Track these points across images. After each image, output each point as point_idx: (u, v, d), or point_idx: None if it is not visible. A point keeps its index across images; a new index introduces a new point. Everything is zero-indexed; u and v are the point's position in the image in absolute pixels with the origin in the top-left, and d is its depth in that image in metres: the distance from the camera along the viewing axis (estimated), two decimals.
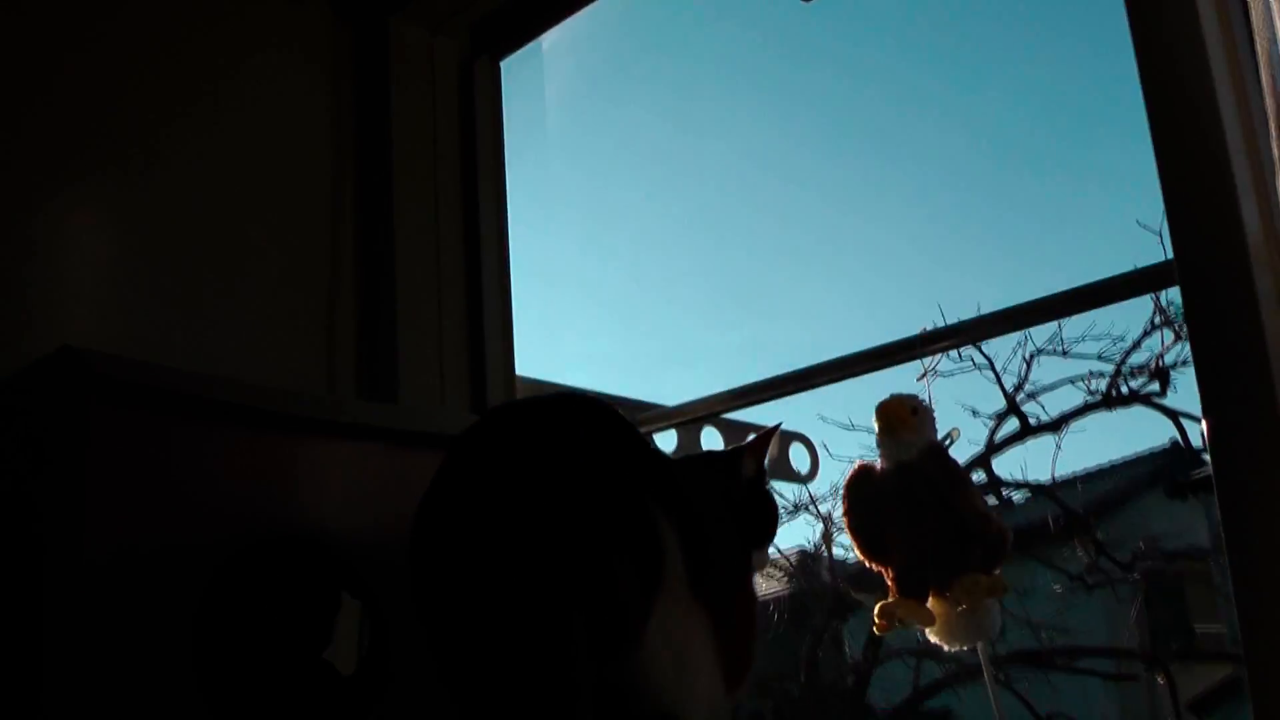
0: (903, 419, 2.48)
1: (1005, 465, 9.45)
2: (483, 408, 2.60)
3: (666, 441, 3.27)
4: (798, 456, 3.48)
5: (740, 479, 2.00)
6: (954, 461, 2.51)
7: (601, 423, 1.62)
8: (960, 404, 8.41)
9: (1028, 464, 10.95)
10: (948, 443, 2.56)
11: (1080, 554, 8.75)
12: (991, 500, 8.51)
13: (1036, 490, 8.85)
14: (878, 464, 2.52)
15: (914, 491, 2.45)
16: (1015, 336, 9.11)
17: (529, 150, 2.86)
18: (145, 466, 1.76)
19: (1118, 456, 11.35)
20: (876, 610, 2.46)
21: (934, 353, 2.61)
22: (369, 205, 2.60)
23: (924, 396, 2.57)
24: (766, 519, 2.01)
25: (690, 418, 3.07)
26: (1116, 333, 8.06)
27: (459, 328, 2.66)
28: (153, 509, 1.77)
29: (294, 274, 2.58)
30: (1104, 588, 8.73)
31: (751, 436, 2.14)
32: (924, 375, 2.61)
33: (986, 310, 2.64)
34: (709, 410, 3.07)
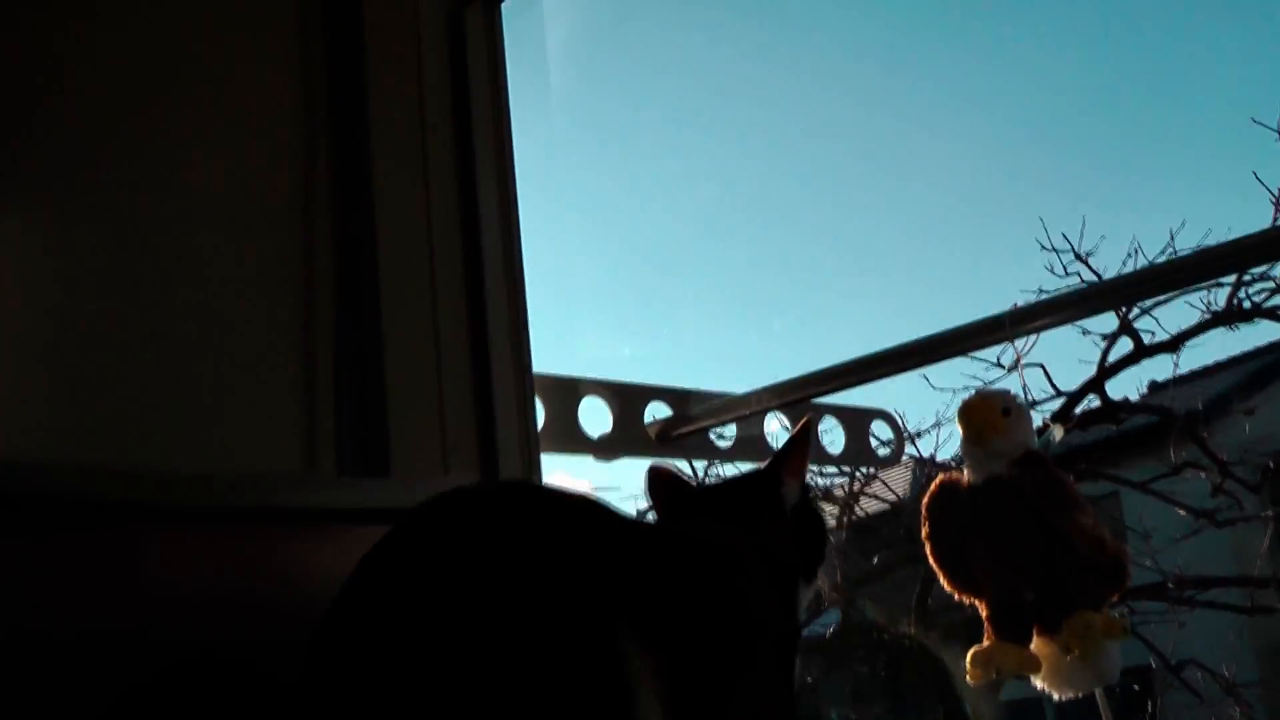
0: (992, 423, 2.04)
1: (1120, 385, 8.89)
2: (494, 469, 2.18)
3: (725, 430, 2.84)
4: (880, 434, 3.04)
5: (783, 508, 1.61)
6: (1058, 472, 2.07)
7: (563, 523, 1.19)
8: (1068, 324, 7.86)
9: (1142, 382, 10.37)
10: (1048, 446, 2.11)
11: (1204, 476, 8.20)
12: (1105, 427, 7.97)
13: (1151, 410, 8.31)
14: (964, 477, 2.07)
15: (1009, 511, 2.01)
16: (1123, 248, 8.56)
17: (531, 114, 2.42)
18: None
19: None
20: (970, 657, 2.03)
21: (1027, 333, 2.15)
22: (345, 199, 2.18)
23: (1017, 391, 2.12)
24: (818, 545, 1.62)
25: (742, 412, 2.64)
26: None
27: (461, 383, 2.23)
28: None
29: (258, 325, 2.15)
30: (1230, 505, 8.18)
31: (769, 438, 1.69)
32: (1016, 364, 2.16)
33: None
34: (773, 401, 2.64)
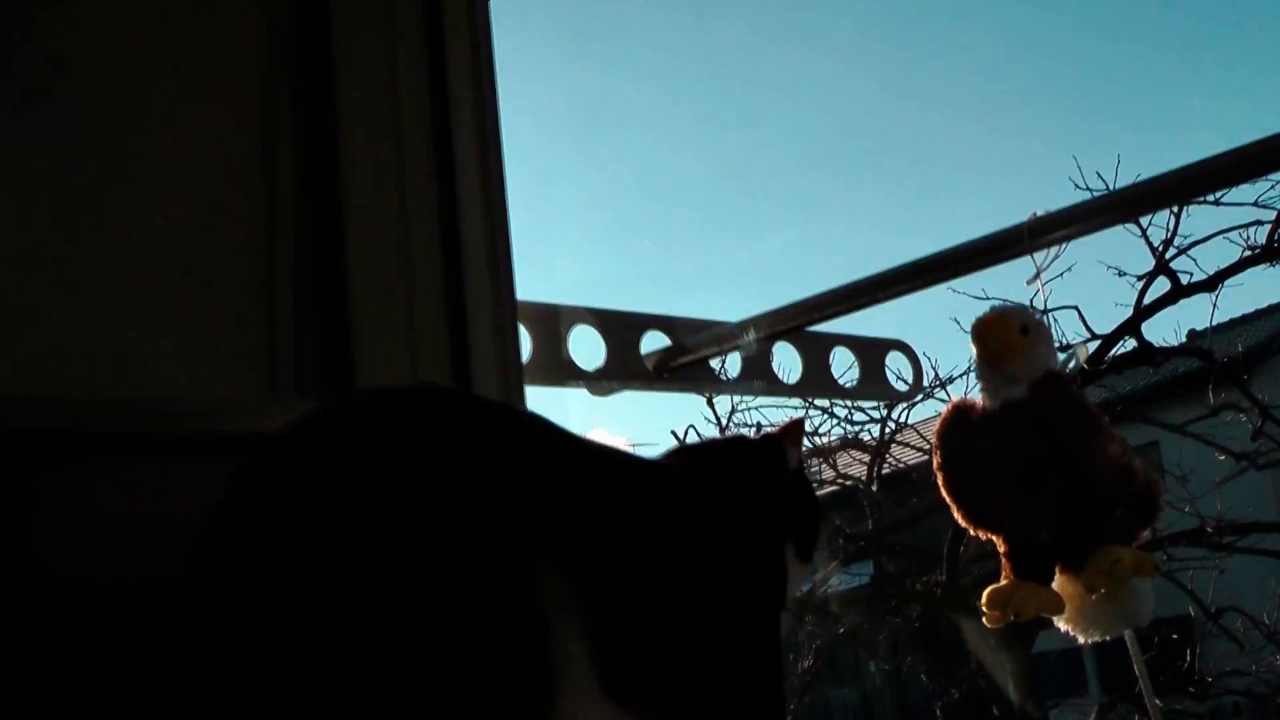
0: (1009, 342, 1.86)
1: (1157, 330, 8.66)
2: (467, 371, 2.00)
3: (730, 360, 2.65)
4: (897, 368, 2.85)
5: (785, 467, 1.45)
6: (1081, 396, 1.89)
7: (472, 436, 1.00)
8: (1102, 263, 7.63)
9: (1181, 327, 10.11)
10: (1072, 366, 1.92)
11: (1244, 419, 7.97)
12: (1142, 373, 7.75)
13: (1189, 352, 8.08)
14: (979, 402, 1.89)
15: (1029, 439, 1.83)
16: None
17: (511, 15, 2.23)
18: None
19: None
20: (986, 597, 1.86)
21: (1048, 246, 1.97)
22: (308, 103, 2.00)
23: (1037, 307, 1.94)
24: (811, 521, 1.44)
25: (744, 339, 2.46)
26: (1275, 176, 7.18)
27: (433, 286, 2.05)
28: None
29: (210, 229, 1.98)
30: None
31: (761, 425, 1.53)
32: (1035, 277, 1.97)
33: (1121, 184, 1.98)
34: (778, 326, 2.46)
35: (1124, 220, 1.95)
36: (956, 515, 1.92)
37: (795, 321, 2.39)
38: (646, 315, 2.56)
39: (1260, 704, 8.21)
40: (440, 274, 2.09)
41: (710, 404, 8.03)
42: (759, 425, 8.17)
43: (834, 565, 8.70)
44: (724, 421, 8.11)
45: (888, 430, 8.74)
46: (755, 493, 1.35)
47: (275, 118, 2.05)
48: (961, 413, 1.92)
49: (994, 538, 1.91)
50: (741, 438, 1.49)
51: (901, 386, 2.85)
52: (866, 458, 9.09)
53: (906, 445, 9.05)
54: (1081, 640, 1.87)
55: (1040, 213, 1.98)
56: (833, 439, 8.86)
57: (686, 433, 6.84)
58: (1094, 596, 1.80)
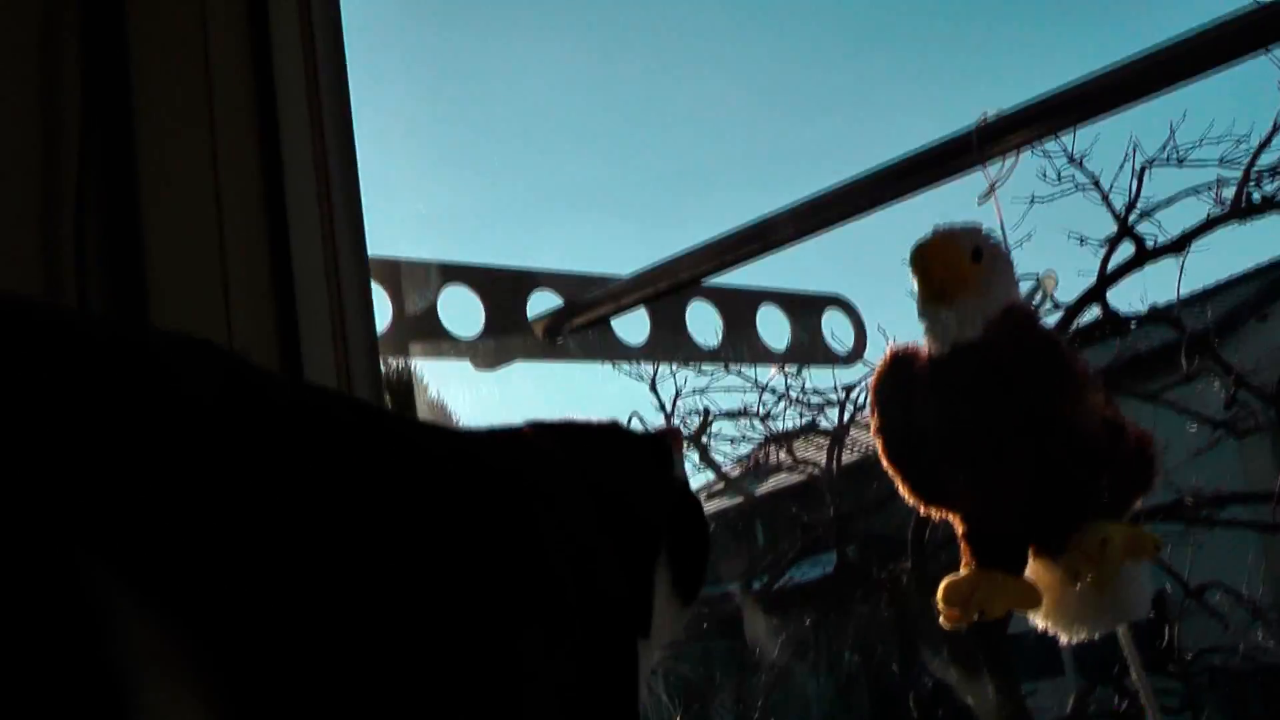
0: (957, 270, 1.48)
1: (1122, 297, 8.32)
2: (295, 355, 1.61)
3: (636, 324, 2.26)
4: (836, 329, 2.45)
5: (671, 474, 1.12)
6: (1051, 335, 1.50)
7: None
8: (1064, 230, 7.28)
9: (1148, 293, 9.76)
10: (1039, 301, 1.54)
11: (1216, 387, 7.63)
12: (1102, 350, 7.42)
13: (1158, 318, 7.73)
14: (923, 348, 1.51)
15: (987, 391, 1.45)
16: (1120, 148, 7.97)
17: None
18: None
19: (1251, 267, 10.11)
20: (942, 592, 1.48)
21: (1001, 154, 1.58)
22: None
23: (993, 228, 1.55)
24: (701, 555, 1.13)
25: (655, 289, 2.06)
26: (1240, 131, 6.85)
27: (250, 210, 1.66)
28: None
29: None
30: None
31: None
32: (989, 194, 1.59)
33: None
34: (685, 274, 2.06)
35: (1092, 115, 1.56)
36: (903, 490, 1.54)
37: (704, 267, 1.99)
38: (531, 271, 2.15)
39: (1238, 681, 7.90)
40: (259, 218, 1.72)
41: (654, 388, 7.64)
42: (707, 411, 7.79)
43: (793, 555, 8.35)
44: (669, 407, 7.72)
45: (847, 411, 8.34)
46: (621, 492, 1.02)
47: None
48: (901, 362, 1.53)
49: (950, 517, 1.52)
50: (618, 426, 1.14)
51: (841, 349, 2.45)
52: (825, 442, 8.71)
53: (868, 427, 8.67)
54: (1065, 640, 1.48)
55: (991, 114, 1.59)
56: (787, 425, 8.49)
57: (629, 422, 6.44)
58: (1078, 586, 1.42)
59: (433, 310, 2.03)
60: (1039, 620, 1.48)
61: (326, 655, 0.60)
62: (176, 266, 1.65)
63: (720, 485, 8.95)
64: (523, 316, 2.13)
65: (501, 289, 2.11)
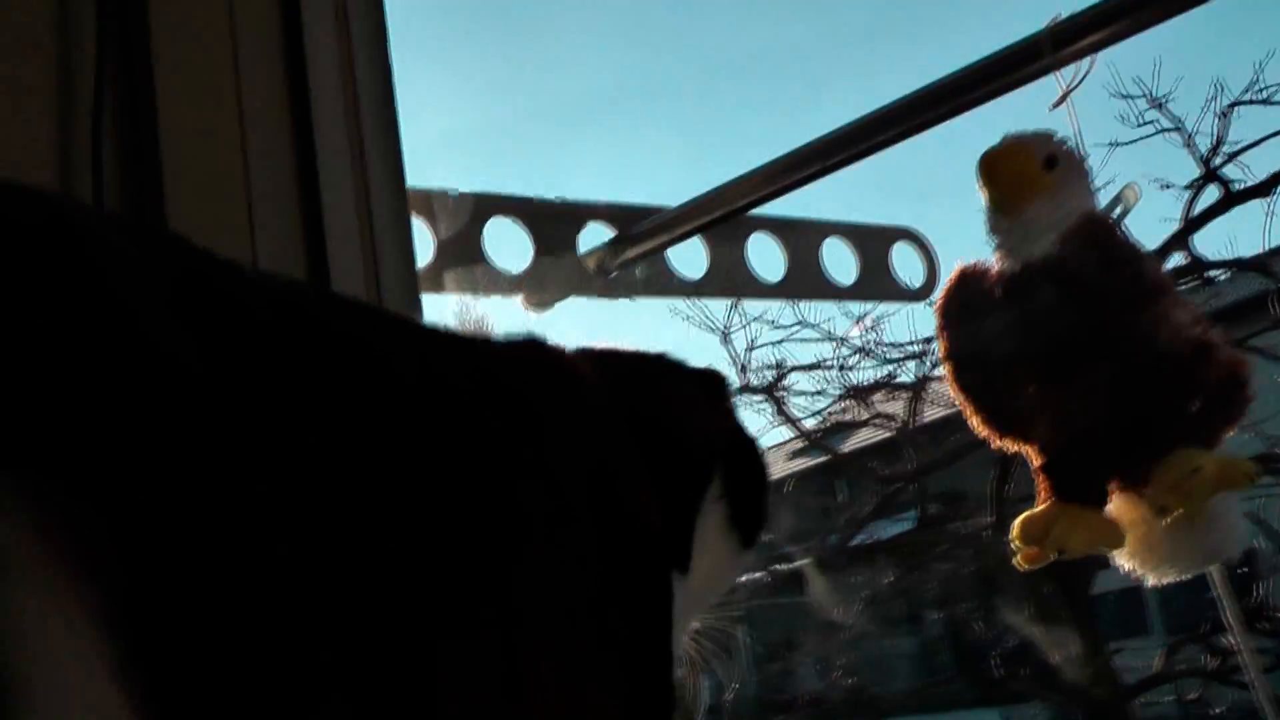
0: (1029, 179, 1.37)
1: (1208, 242, 8.09)
2: (324, 271, 1.52)
3: (694, 258, 2.15)
4: (904, 263, 2.33)
5: (724, 414, 1.04)
6: (1133, 247, 1.38)
7: None
8: (1147, 177, 7.08)
9: (1236, 238, 9.51)
10: (1118, 213, 1.42)
11: None
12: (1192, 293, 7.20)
13: (1245, 265, 7.52)
14: (993, 266, 1.39)
15: (1062, 308, 1.33)
16: (1203, 90, 7.73)
17: None
18: None
19: None
20: (1017, 528, 1.36)
21: (1075, 59, 1.46)
22: None
23: (1067, 136, 1.43)
24: (761, 496, 1.03)
25: (710, 218, 1.95)
26: None
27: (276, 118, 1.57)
28: None
29: None
30: None
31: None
32: (1062, 99, 1.46)
33: None
34: (740, 200, 1.94)
35: (1173, 11, 1.42)
36: (973, 421, 1.42)
37: (760, 193, 1.87)
38: (581, 202, 2.04)
39: None
40: (288, 139, 1.63)
41: (726, 340, 7.51)
42: (780, 365, 7.66)
43: (870, 512, 8.23)
44: (742, 360, 7.58)
45: (928, 364, 8.18)
46: (662, 419, 0.93)
47: None
48: (970, 281, 1.42)
49: (1026, 448, 1.41)
50: (667, 356, 1.05)
51: (912, 284, 2.32)
52: (905, 400, 8.56)
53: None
54: (1151, 581, 1.37)
55: (1063, 15, 1.46)
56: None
57: None
58: (1165, 522, 1.30)
59: (477, 244, 1.93)
60: (1123, 560, 1.37)
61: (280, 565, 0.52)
62: (197, 185, 1.56)
63: (800, 442, 8.82)
64: (573, 250, 2.03)
65: (550, 221, 2.00)
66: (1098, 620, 8.15)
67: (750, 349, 7.47)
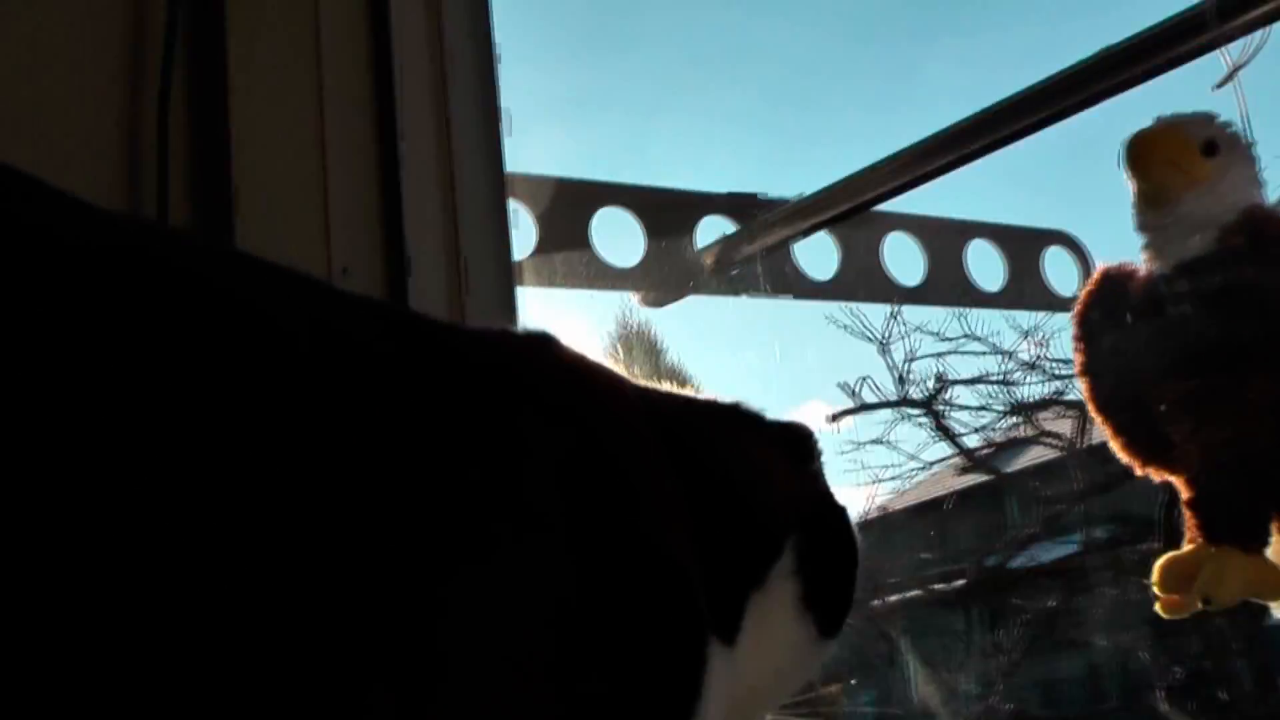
0: (1185, 166, 1.18)
1: None
2: (401, 280, 1.41)
3: (824, 258, 2.00)
4: (1057, 268, 2.15)
5: (814, 486, 0.90)
6: None
7: None
8: None
9: None
10: None
11: None
12: None
13: None
14: (1140, 267, 1.21)
15: (1222, 317, 1.15)
16: None
17: None
18: None
19: None
20: (1158, 572, 1.18)
21: (1245, 32, 1.28)
22: None
23: (1234, 118, 1.25)
24: (847, 579, 0.89)
25: (834, 211, 1.79)
26: None
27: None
28: None
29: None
30: None
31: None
32: (1229, 77, 1.28)
33: None
34: (870, 192, 1.78)
35: None
36: (1114, 445, 1.24)
37: (894, 181, 1.70)
38: (699, 193, 1.89)
39: None
40: (372, 136, 1.54)
41: (884, 350, 7.25)
42: (941, 377, 7.38)
43: (1030, 534, 7.92)
44: (901, 371, 7.32)
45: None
46: (725, 475, 0.80)
47: None
48: (1113, 284, 1.24)
49: (1174, 479, 1.23)
50: (742, 406, 0.91)
51: (1065, 291, 2.13)
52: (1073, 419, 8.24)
53: None
54: None
55: None
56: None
57: (860, 386, 6.11)
58: None
59: (584, 235, 1.79)
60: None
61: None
62: (267, 166, 1.46)
63: (963, 462, 8.55)
64: (689, 244, 1.88)
65: (664, 212, 1.86)
66: (1271, 654, 7.76)
67: (910, 360, 7.20)
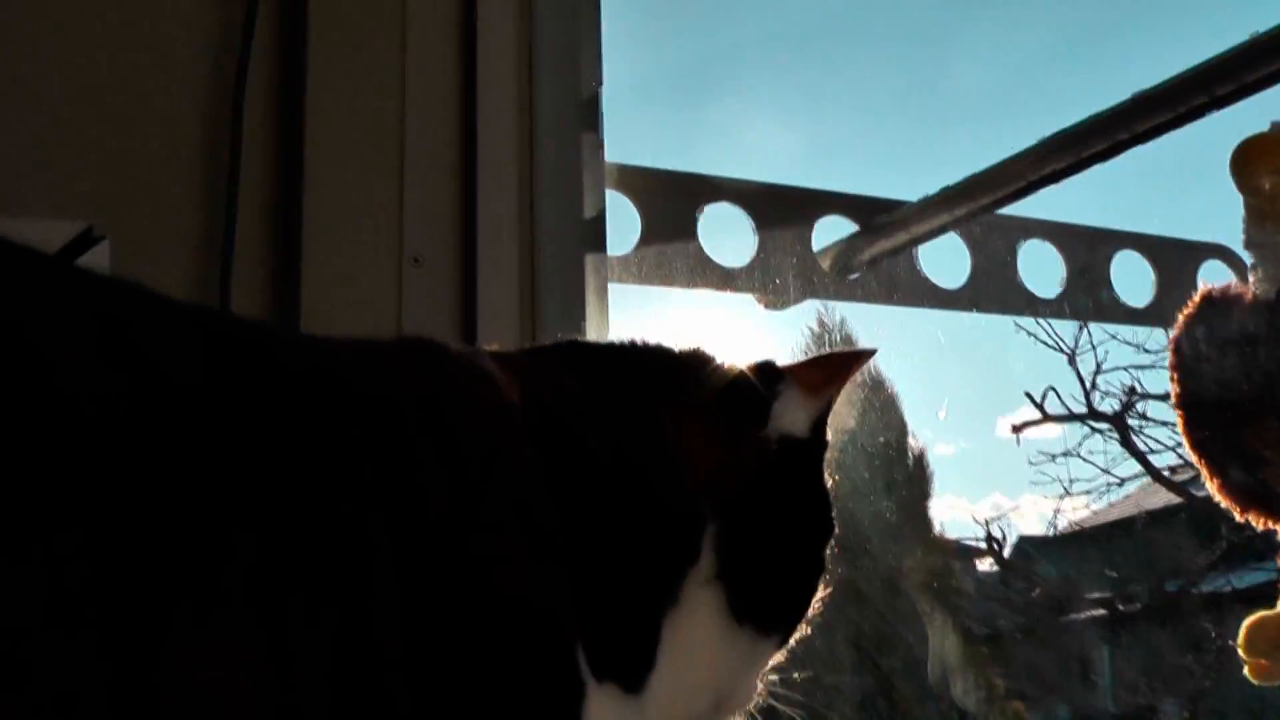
0: None
1: None
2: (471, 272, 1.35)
3: (956, 264, 1.90)
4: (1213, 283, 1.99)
5: (759, 422, 0.75)
6: None
7: None
8: None
9: None
10: None
11: None
12: None
13: None
14: (1246, 289, 1.09)
15: None
16: None
17: None
18: None
19: None
20: (1244, 634, 1.06)
21: None
22: None
23: None
24: (798, 562, 0.77)
25: (959, 212, 1.69)
26: None
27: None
28: None
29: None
30: None
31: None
32: None
33: None
34: (992, 195, 1.68)
35: None
36: (1210, 486, 1.12)
37: (1022, 180, 1.58)
38: (817, 190, 1.79)
39: None
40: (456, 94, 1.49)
41: (1072, 361, 7.01)
42: (1132, 391, 7.09)
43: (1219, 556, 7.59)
44: (1089, 383, 7.04)
45: None
46: (607, 456, 0.67)
47: None
48: (1216, 309, 1.12)
49: (1275, 523, 1.10)
50: (693, 354, 0.77)
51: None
52: None
53: None
54: None
55: None
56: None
57: (1043, 397, 5.88)
58: None
59: (691, 230, 1.71)
60: None
61: None
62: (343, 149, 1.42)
63: (1150, 480, 8.23)
64: (806, 244, 1.78)
65: (777, 209, 1.77)
66: None
67: (1098, 372, 6.92)
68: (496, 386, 0.64)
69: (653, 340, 0.76)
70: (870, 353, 0.86)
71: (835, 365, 0.82)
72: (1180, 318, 1.16)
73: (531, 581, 0.58)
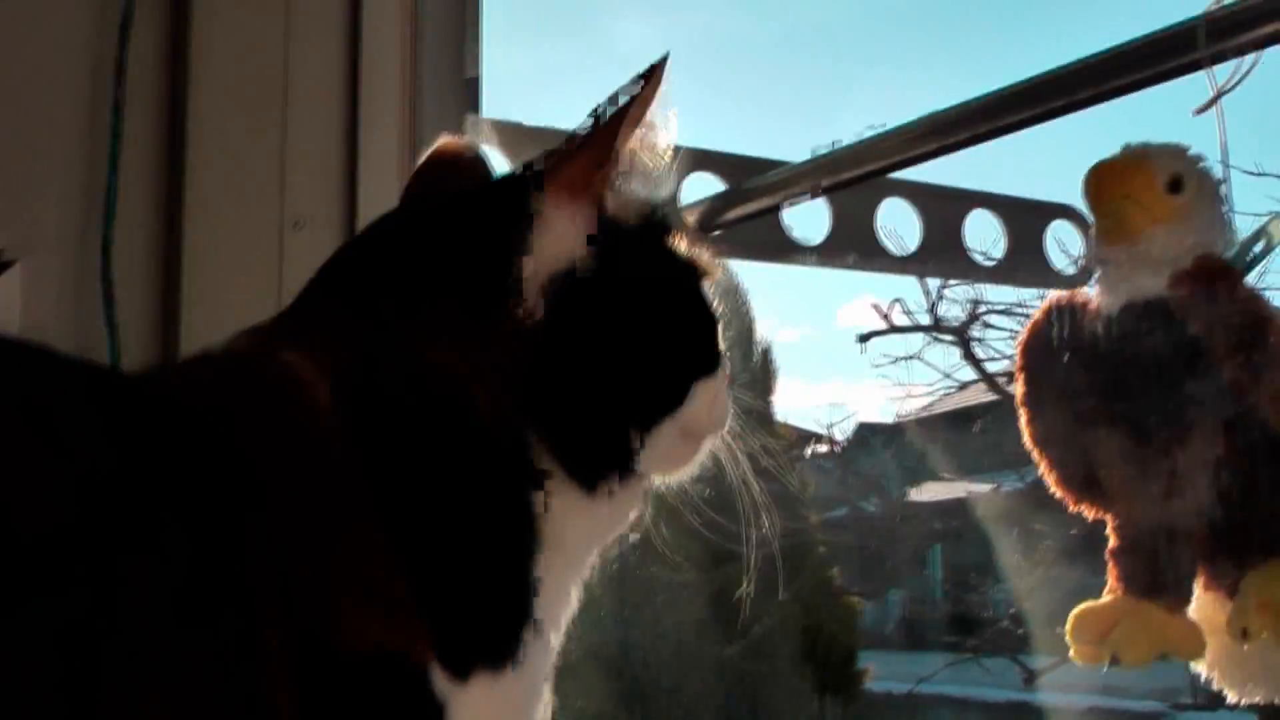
0: (1143, 202, 1.13)
1: None
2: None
3: (816, 220, 1.94)
4: (1062, 244, 2.08)
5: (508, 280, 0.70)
6: (1257, 300, 1.14)
7: None
8: None
9: None
10: (1256, 252, 1.19)
11: None
12: None
13: None
14: (1092, 298, 1.17)
15: (1164, 361, 1.11)
16: None
17: None
18: None
19: None
20: (1072, 621, 1.15)
21: (1235, 54, 1.22)
22: None
23: (1204, 155, 1.19)
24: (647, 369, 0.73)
25: (830, 180, 1.74)
26: None
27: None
28: None
29: None
30: None
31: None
32: (1210, 103, 1.21)
33: None
34: (871, 163, 1.73)
35: None
36: (1048, 479, 1.20)
37: (895, 156, 1.64)
38: (688, 149, 1.83)
39: None
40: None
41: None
42: (976, 304, 7.29)
43: None
44: (934, 297, 7.18)
45: None
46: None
47: None
48: (1062, 316, 1.19)
49: (1106, 516, 1.19)
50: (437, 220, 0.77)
51: (1067, 268, 2.06)
52: None
53: None
54: (1232, 699, 1.14)
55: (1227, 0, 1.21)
56: None
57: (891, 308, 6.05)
58: (1251, 644, 1.07)
59: None
60: (1202, 669, 1.14)
61: None
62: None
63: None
64: (673, 203, 1.82)
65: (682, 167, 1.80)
66: None
67: (945, 284, 7.07)
68: (298, 402, 0.61)
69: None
70: (658, 69, 0.74)
71: (602, 135, 0.72)
72: (1029, 323, 1.23)
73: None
